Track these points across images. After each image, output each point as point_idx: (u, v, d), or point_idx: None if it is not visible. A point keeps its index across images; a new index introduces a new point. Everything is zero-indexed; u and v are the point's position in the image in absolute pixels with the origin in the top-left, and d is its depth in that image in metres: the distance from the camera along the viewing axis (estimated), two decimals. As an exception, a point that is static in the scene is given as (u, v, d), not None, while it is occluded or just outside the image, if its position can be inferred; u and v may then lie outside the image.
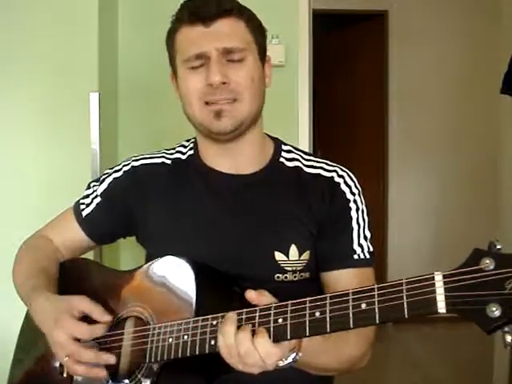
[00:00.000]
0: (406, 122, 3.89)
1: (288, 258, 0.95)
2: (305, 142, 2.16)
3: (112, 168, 1.09)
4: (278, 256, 0.95)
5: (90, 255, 1.67)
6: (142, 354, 0.84)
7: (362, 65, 4.09)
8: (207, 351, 0.76)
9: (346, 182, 1.00)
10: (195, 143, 1.06)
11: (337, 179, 1.00)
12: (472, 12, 3.70)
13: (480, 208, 3.67)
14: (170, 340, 0.80)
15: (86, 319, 0.87)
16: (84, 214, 1.07)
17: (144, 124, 2.10)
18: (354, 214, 0.99)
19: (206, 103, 0.93)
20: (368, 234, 1.00)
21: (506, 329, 0.56)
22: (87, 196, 1.09)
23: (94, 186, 1.09)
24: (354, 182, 1.01)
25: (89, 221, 1.07)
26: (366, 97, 4.08)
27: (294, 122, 2.16)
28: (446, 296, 0.59)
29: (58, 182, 1.76)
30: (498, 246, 0.59)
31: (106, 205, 1.06)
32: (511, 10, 3.03)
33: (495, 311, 0.56)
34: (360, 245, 0.98)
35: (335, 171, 1.01)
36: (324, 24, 3.67)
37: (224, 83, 0.91)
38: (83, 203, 1.08)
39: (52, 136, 1.77)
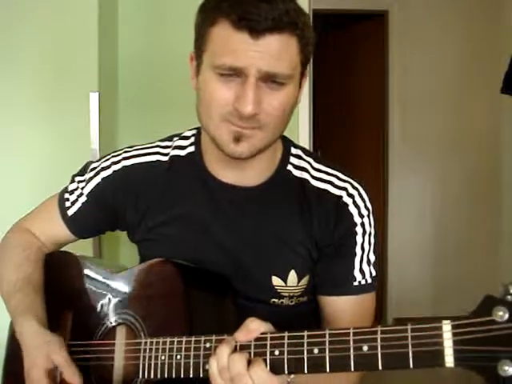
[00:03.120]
0: (406, 122, 3.89)
1: (286, 283, 0.89)
2: (305, 142, 2.16)
3: (99, 162, 0.99)
4: (276, 281, 0.89)
5: (89, 251, 1.67)
6: (136, 370, 0.81)
7: (362, 65, 4.08)
8: (201, 375, 0.72)
9: (355, 202, 0.91)
10: (198, 138, 0.96)
11: (346, 199, 0.91)
12: (472, 12, 3.70)
13: (481, 208, 3.67)
14: (163, 358, 0.77)
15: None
16: (70, 212, 1.01)
17: (144, 124, 2.09)
18: (359, 238, 0.91)
19: (230, 123, 0.81)
20: (372, 258, 0.92)
21: None
22: (72, 192, 1.02)
23: (79, 181, 1.01)
24: (364, 201, 0.93)
25: (75, 220, 1.01)
26: (365, 97, 4.08)
27: (294, 122, 2.13)
28: (454, 350, 0.55)
29: (58, 181, 1.75)
30: None
31: (94, 205, 0.99)
32: (511, 10, 3.04)
33: (508, 369, 0.51)
34: (361, 270, 0.91)
35: (345, 189, 0.91)
36: (324, 24, 3.67)
37: (255, 114, 0.78)
38: (67, 199, 1.02)
39: (51, 136, 1.77)
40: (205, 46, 0.81)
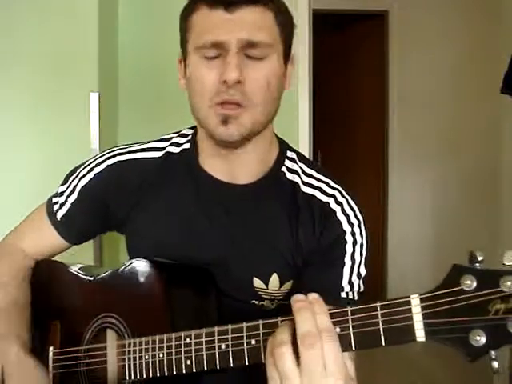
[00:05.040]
0: (406, 122, 3.89)
1: (267, 287, 0.88)
2: (305, 141, 2.16)
3: (92, 159, 0.98)
4: (257, 283, 0.88)
5: (89, 252, 1.67)
6: (123, 372, 0.81)
7: (362, 65, 4.09)
8: (184, 371, 0.72)
9: (343, 211, 0.89)
10: (195, 135, 0.96)
11: (333, 206, 0.89)
12: (472, 12, 3.70)
13: (480, 208, 3.67)
14: (147, 357, 0.77)
15: (69, 337, 0.84)
16: (59, 215, 0.98)
17: (144, 124, 2.10)
18: (349, 247, 0.88)
19: (217, 105, 0.81)
20: (363, 272, 0.89)
21: (492, 354, 0.51)
22: (61, 193, 0.99)
23: (72, 180, 0.99)
24: (354, 210, 0.90)
25: (65, 223, 0.98)
26: (366, 97, 4.08)
27: (294, 122, 2.16)
28: (424, 323, 0.54)
29: (58, 181, 1.75)
30: (480, 258, 0.53)
31: (84, 202, 0.96)
32: (511, 10, 3.04)
33: (479, 339, 0.51)
34: (351, 282, 0.87)
35: (334, 196, 0.89)
36: (324, 24, 3.67)
37: (239, 82, 0.79)
38: (56, 202, 0.99)
39: (51, 136, 1.77)
40: (187, 34, 0.84)
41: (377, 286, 3.79)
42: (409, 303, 0.55)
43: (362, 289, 0.89)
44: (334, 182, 0.93)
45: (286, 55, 0.87)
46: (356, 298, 0.88)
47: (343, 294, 0.87)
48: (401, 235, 3.93)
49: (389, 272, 3.91)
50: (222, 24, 0.79)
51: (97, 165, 0.96)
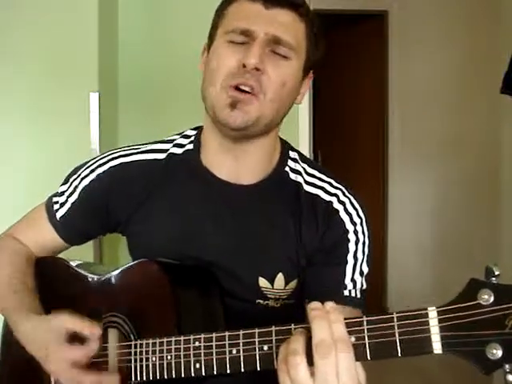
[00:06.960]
0: (406, 122, 3.89)
1: (273, 286, 0.88)
2: (305, 141, 2.16)
3: (95, 159, 0.97)
4: (262, 282, 0.88)
5: (90, 253, 1.67)
6: (128, 373, 0.80)
7: (362, 65, 4.08)
8: (193, 374, 0.72)
9: (346, 210, 0.89)
10: (198, 136, 0.95)
11: (336, 205, 0.89)
12: (472, 12, 3.70)
13: (481, 208, 3.67)
14: (154, 359, 0.76)
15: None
16: (59, 215, 0.97)
17: (144, 124, 2.10)
18: (351, 246, 0.89)
19: (231, 87, 0.82)
20: (365, 269, 0.90)
21: (507, 368, 0.52)
22: (62, 193, 0.98)
23: (73, 180, 0.97)
24: (356, 209, 0.90)
25: (64, 223, 0.97)
26: (366, 97, 4.08)
27: (294, 122, 2.16)
28: (441, 336, 0.54)
29: (57, 181, 1.75)
30: (497, 272, 0.54)
31: (84, 203, 0.95)
32: (511, 10, 3.04)
33: (496, 352, 0.52)
34: (353, 280, 0.88)
35: (336, 195, 0.90)
36: (324, 24, 3.67)
37: (258, 70, 0.81)
38: (56, 202, 0.98)
39: (51, 136, 1.77)
40: (220, 20, 0.87)
41: (377, 286, 3.78)
42: (426, 315, 0.55)
43: (364, 286, 0.90)
44: (337, 181, 0.93)
45: (305, 70, 0.90)
46: (359, 295, 0.88)
47: (346, 292, 0.87)
48: (401, 235, 3.93)
49: (389, 272, 3.90)
50: (255, 16, 0.83)
51: (99, 166, 0.95)
